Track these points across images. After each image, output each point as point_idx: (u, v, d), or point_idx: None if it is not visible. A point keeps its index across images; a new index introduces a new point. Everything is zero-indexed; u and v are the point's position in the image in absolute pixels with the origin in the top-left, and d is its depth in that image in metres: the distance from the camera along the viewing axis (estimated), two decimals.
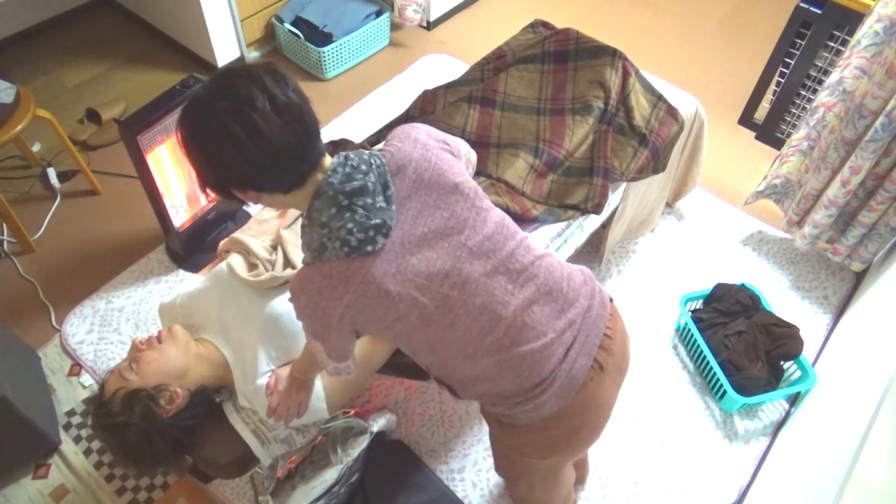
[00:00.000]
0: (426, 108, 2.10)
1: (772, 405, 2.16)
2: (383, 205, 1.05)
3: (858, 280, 2.48)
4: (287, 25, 3.08)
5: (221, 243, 1.64)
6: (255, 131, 0.96)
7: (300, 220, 1.56)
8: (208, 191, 1.06)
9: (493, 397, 1.20)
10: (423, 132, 1.17)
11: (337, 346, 1.16)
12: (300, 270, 1.11)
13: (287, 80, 1.02)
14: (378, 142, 1.91)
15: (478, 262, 1.11)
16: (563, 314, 1.17)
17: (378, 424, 1.89)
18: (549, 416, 1.19)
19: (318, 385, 1.48)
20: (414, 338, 1.14)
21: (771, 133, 2.87)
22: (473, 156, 1.32)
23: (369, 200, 1.04)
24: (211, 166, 1.00)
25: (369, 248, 1.03)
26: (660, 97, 2.12)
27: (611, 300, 1.28)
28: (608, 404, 1.26)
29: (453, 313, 1.10)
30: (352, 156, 1.08)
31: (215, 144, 0.97)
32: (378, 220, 1.04)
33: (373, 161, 1.08)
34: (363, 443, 1.81)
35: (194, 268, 2.38)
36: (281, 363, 1.46)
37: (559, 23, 2.30)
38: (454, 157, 1.18)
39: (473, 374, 1.18)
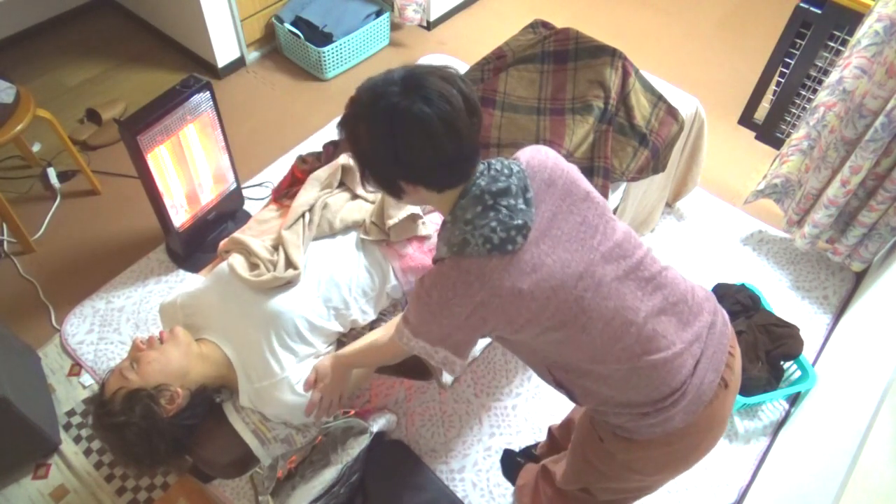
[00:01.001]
0: None
1: (772, 405, 2.16)
2: (524, 207, 1.08)
3: (858, 280, 2.48)
4: (287, 25, 3.08)
5: (222, 243, 1.64)
6: (451, 126, 1.00)
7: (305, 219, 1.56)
8: (367, 180, 1.09)
9: (618, 406, 1.19)
10: (546, 149, 1.21)
11: (459, 343, 1.15)
12: (435, 267, 1.13)
13: (470, 84, 1.06)
14: None
15: (610, 266, 1.12)
16: (689, 326, 1.17)
17: (378, 424, 1.89)
18: (672, 432, 1.18)
19: None
20: (539, 341, 1.15)
21: (771, 133, 2.87)
22: None
23: (512, 202, 1.07)
24: (396, 157, 1.02)
25: (510, 246, 1.06)
26: (660, 97, 2.12)
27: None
28: (726, 421, 1.26)
29: (586, 315, 1.11)
30: (494, 161, 1.12)
31: (411, 139, 1.00)
32: (520, 221, 1.07)
33: (513, 167, 1.12)
34: (363, 443, 1.82)
35: (194, 268, 2.38)
36: (286, 361, 1.46)
37: (559, 23, 2.30)
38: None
39: (601, 381, 1.17)
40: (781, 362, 2.17)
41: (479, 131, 1.07)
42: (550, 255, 1.08)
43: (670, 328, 1.15)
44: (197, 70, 3.14)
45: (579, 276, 1.09)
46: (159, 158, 2.08)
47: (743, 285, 2.28)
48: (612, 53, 2.04)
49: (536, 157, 1.17)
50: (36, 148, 2.77)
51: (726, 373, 1.21)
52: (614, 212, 2.15)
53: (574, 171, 1.18)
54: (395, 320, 1.44)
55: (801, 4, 2.45)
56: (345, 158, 1.72)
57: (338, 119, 2.65)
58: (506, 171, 1.10)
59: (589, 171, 1.95)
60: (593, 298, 1.10)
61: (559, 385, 1.26)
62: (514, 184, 1.09)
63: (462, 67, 2.43)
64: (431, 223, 1.69)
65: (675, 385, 1.15)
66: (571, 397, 1.26)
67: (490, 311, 1.09)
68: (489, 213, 1.06)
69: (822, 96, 2.17)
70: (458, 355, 1.17)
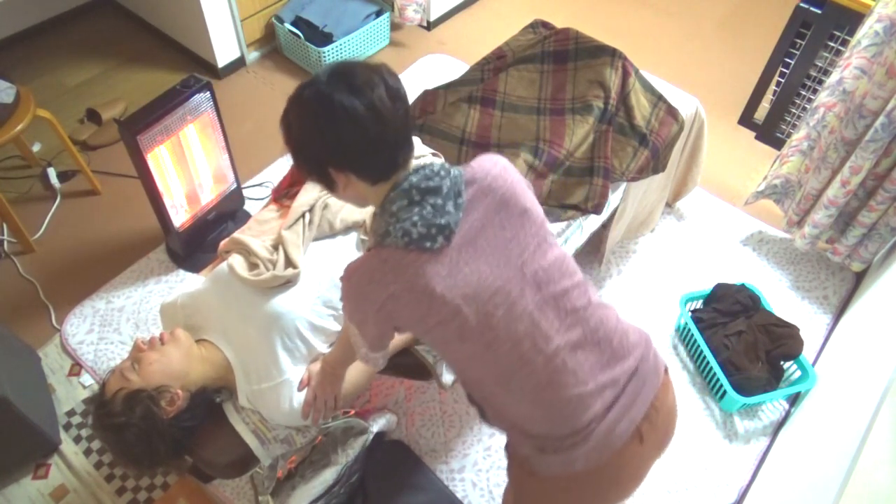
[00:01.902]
0: (426, 108, 2.10)
1: (772, 405, 2.16)
2: (451, 210, 1.07)
3: (858, 280, 2.48)
4: (287, 25, 3.08)
5: (222, 243, 1.64)
6: (373, 109, 1.02)
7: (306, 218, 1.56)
8: (300, 170, 1.11)
9: (521, 434, 1.17)
10: (506, 161, 1.20)
11: (372, 333, 1.17)
12: (358, 258, 1.14)
13: (397, 76, 1.08)
14: None
15: (529, 289, 1.10)
16: (608, 369, 1.14)
17: (378, 424, 1.89)
18: (573, 475, 1.14)
19: None
20: (451, 349, 1.14)
21: (771, 133, 2.87)
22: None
23: (440, 202, 1.07)
24: (323, 139, 1.04)
25: (428, 244, 1.05)
26: (660, 97, 2.12)
27: (665, 370, 1.23)
28: (639, 477, 1.21)
29: (493, 333, 1.09)
30: (436, 161, 1.14)
31: (333, 119, 1.02)
32: (442, 221, 1.06)
33: (452, 170, 1.11)
34: (363, 443, 1.82)
35: (194, 268, 2.38)
36: (285, 363, 1.46)
37: (559, 23, 2.30)
38: (528, 188, 1.21)
39: (505, 404, 1.16)
40: (781, 362, 2.17)
41: (405, 119, 1.07)
42: (469, 264, 1.07)
43: (585, 366, 1.12)
44: (197, 70, 3.14)
45: (494, 292, 1.08)
46: (159, 158, 2.08)
47: (743, 285, 2.28)
48: (612, 53, 2.04)
49: (483, 164, 1.15)
50: (36, 148, 2.77)
51: (644, 426, 1.15)
52: (614, 212, 2.16)
53: (518, 184, 1.16)
54: None
55: (801, 4, 2.45)
56: None
57: None
58: (441, 171, 1.09)
59: (589, 171, 1.96)
60: (503, 317, 1.08)
61: (470, 399, 1.26)
62: (446, 185, 1.08)
63: (462, 67, 2.43)
64: None
65: (577, 426, 1.11)
66: (482, 414, 1.25)
67: (401, 305, 1.08)
68: (413, 209, 1.06)
69: (822, 97, 2.17)
70: (372, 347, 1.19)
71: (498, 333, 1.09)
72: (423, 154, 1.82)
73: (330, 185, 1.12)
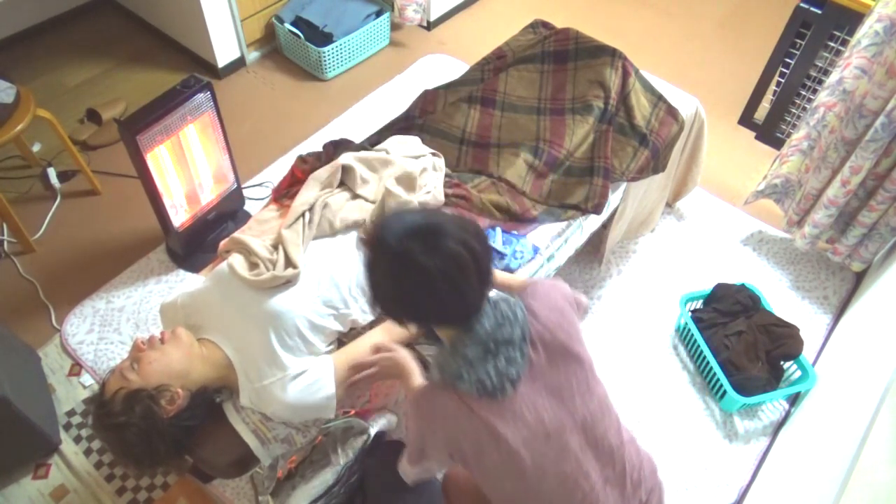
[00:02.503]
0: (426, 108, 2.10)
1: (772, 405, 2.16)
2: (519, 359, 1.13)
3: (858, 280, 2.48)
4: (287, 25, 3.08)
5: (222, 243, 1.64)
6: (456, 293, 1.05)
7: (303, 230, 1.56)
8: (372, 306, 1.18)
9: None
10: (559, 294, 1.26)
11: (418, 451, 1.24)
12: (428, 385, 1.19)
13: (485, 242, 1.11)
14: (378, 142, 1.91)
15: (577, 432, 1.19)
16: (628, 500, 1.25)
17: (378, 425, 1.89)
18: None
19: (331, 383, 1.48)
20: (499, 484, 1.21)
21: (771, 133, 2.87)
22: (584, 300, 1.39)
23: (512, 353, 1.12)
24: (401, 302, 1.09)
25: (499, 395, 1.12)
26: (660, 97, 2.12)
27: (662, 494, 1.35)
28: None
29: (542, 472, 1.16)
30: (501, 303, 1.16)
31: (417, 291, 1.06)
32: (513, 373, 1.12)
33: (518, 312, 1.16)
34: (363, 443, 1.81)
35: (194, 268, 2.38)
36: (286, 361, 1.45)
37: (559, 23, 2.30)
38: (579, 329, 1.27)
39: None
40: (781, 362, 2.17)
41: (486, 288, 1.10)
42: (531, 411, 1.14)
43: (611, 499, 1.22)
44: (197, 70, 3.14)
45: (549, 435, 1.16)
46: (159, 158, 2.08)
47: (743, 285, 2.28)
48: (612, 53, 2.04)
49: (546, 303, 1.21)
50: (36, 148, 2.77)
51: None
52: (614, 212, 2.16)
53: (575, 329, 1.23)
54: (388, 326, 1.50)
55: (801, 4, 2.45)
56: (345, 158, 1.72)
57: (338, 119, 2.64)
58: (511, 315, 1.14)
59: (589, 171, 1.96)
60: (554, 459, 1.16)
61: None
62: (517, 334, 1.13)
63: (462, 67, 2.43)
64: None
65: None
66: None
67: (465, 444, 1.15)
68: (489, 359, 1.11)
69: (822, 96, 2.17)
70: (411, 460, 1.28)
71: (547, 472, 1.17)
72: (423, 154, 1.83)
73: (399, 324, 1.15)
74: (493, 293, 1.19)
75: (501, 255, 1.74)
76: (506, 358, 1.12)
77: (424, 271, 1.02)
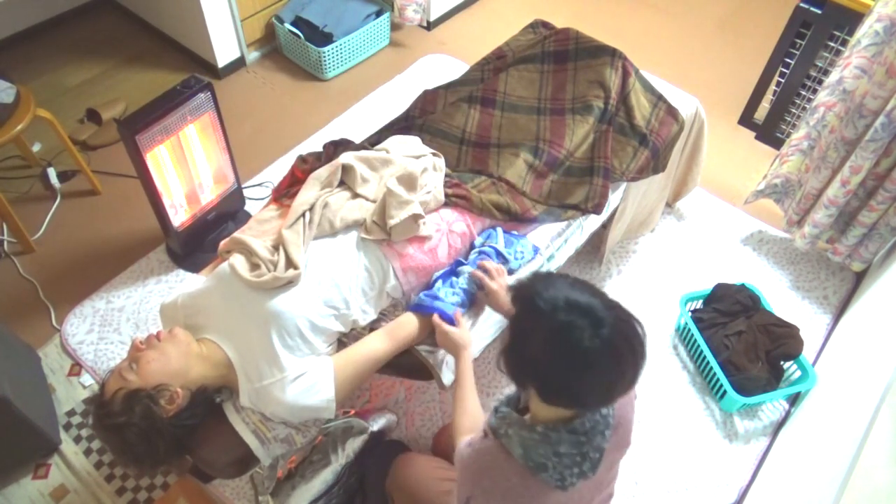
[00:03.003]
0: (426, 109, 2.10)
1: (772, 405, 2.16)
2: (598, 459, 1.13)
3: (858, 280, 2.48)
4: (287, 25, 3.08)
5: (222, 243, 1.64)
6: (609, 392, 1.04)
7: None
8: (504, 364, 1.10)
9: None
10: (634, 392, 1.24)
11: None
12: (500, 448, 1.14)
13: (645, 346, 1.06)
14: (378, 142, 1.91)
15: None
16: None
17: (378, 424, 1.89)
18: None
19: (331, 386, 1.48)
20: None
21: (771, 133, 2.87)
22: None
23: (595, 456, 1.12)
24: (545, 380, 1.05)
25: (569, 488, 1.12)
26: (660, 97, 2.12)
27: None
28: None
29: None
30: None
31: (575, 379, 1.01)
32: (591, 474, 1.13)
33: (611, 412, 1.15)
34: (363, 443, 1.82)
35: (194, 267, 2.38)
36: (286, 361, 1.46)
37: (559, 23, 2.30)
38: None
39: None
40: (781, 362, 2.17)
41: (632, 388, 1.08)
42: (580, 499, 1.19)
43: None
44: (197, 70, 3.14)
45: None
46: (158, 158, 2.08)
47: (743, 285, 2.28)
48: (612, 53, 2.04)
49: (626, 416, 1.21)
50: (36, 148, 2.77)
51: None
52: (614, 212, 2.16)
53: (633, 413, 1.25)
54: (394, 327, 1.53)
55: (801, 4, 2.45)
56: (345, 157, 1.72)
57: (338, 119, 2.63)
58: (604, 422, 1.13)
59: (589, 171, 1.95)
60: None
61: None
62: (604, 442, 1.13)
63: (462, 67, 2.43)
64: (432, 223, 1.69)
65: None
66: None
67: None
68: (576, 459, 1.10)
69: (822, 96, 2.17)
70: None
71: None
72: (423, 154, 1.83)
73: (520, 387, 1.13)
74: None
75: (505, 259, 1.73)
76: (591, 461, 1.12)
77: (584, 351, 0.98)
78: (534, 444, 1.11)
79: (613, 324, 1.00)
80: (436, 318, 1.56)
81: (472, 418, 1.39)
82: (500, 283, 1.61)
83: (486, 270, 1.63)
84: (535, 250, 1.83)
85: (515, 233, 1.84)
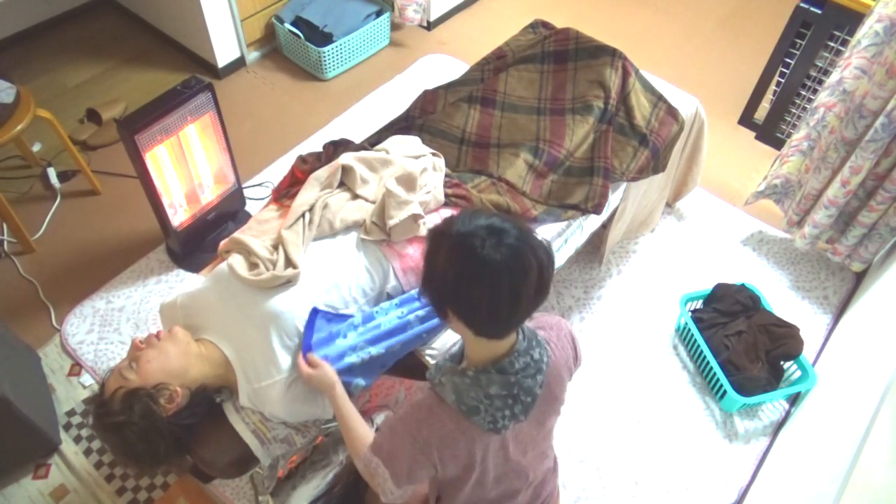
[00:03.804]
0: (426, 108, 2.10)
1: (772, 405, 2.16)
2: (531, 403, 1.17)
3: (858, 280, 2.48)
4: (287, 25, 3.08)
5: (222, 243, 1.64)
6: (516, 299, 1.04)
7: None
8: (423, 294, 1.13)
9: None
10: (568, 333, 1.31)
11: (417, 477, 1.22)
12: (433, 400, 1.18)
13: (552, 259, 1.10)
14: (378, 142, 1.91)
15: (532, 469, 1.31)
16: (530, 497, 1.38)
17: (379, 419, 1.89)
18: None
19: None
20: (456, 493, 1.28)
21: (771, 133, 2.87)
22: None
23: (527, 399, 1.16)
24: (455, 290, 1.07)
25: (502, 431, 1.16)
26: (660, 97, 2.12)
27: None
28: None
29: (496, 484, 1.27)
30: (535, 344, 1.18)
31: (476, 280, 1.03)
32: (521, 416, 1.16)
33: (544, 359, 1.19)
34: None
35: (194, 267, 2.38)
36: (284, 362, 1.45)
37: (559, 23, 2.30)
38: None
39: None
40: (781, 362, 2.17)
41: (540, 301, 1.09)
42: (516, 455, 1.23)
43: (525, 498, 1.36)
44: (197, 70, 3.14)
45: (517, 476, 1.28)
46: (158, 158, 2.08)
47: (743, 285, 2.28)
48: (612, 53, 2.04)
49: (560, 355, 1.24)
50: (36, 148, 2.77)
51: None
52: (614, 212, 2.16)
53: (570, 371, 1.29)
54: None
55: (801, 4, 2.45)
56: (345, 158, 1.72)
57: (338, 119, 2.63)
58: (539, 360, 1.17)
59: (589, 171, 1.95)
60: (508, 483, 1.28)
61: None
62: (538, 383, 1.16)
63: (462, 67, 2.43)
64: (432, 223, 1.69)
65: None
66: None
67: (452, 464, 1.18)
68: (507, 401, 1.14)
69: (822, 97, 2.17)
70: (394, 479, 1.22)
71: (497, 485, 1.28)
72: (423, 154, 1.82)
73: (443, 317, 1.14)
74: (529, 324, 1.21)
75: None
76: (522, 403, 1.15)
77: (490, 263, 1.01)
78: (465, 387, 1.14)
79: (514, 234, 1.03)
80: (300, 360, 1.44)
81: (367, 436, 1.35)
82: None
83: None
84: None
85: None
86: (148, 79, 3.11)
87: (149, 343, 1.42)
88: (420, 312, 1.57)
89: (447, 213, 1.73)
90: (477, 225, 1.04)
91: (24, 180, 2.69)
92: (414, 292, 1.62)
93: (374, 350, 1.51)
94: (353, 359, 1.48)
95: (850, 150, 2.10)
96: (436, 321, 1.58)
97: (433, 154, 1.85)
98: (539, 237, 1.09)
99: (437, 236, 1.08)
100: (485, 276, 1.02)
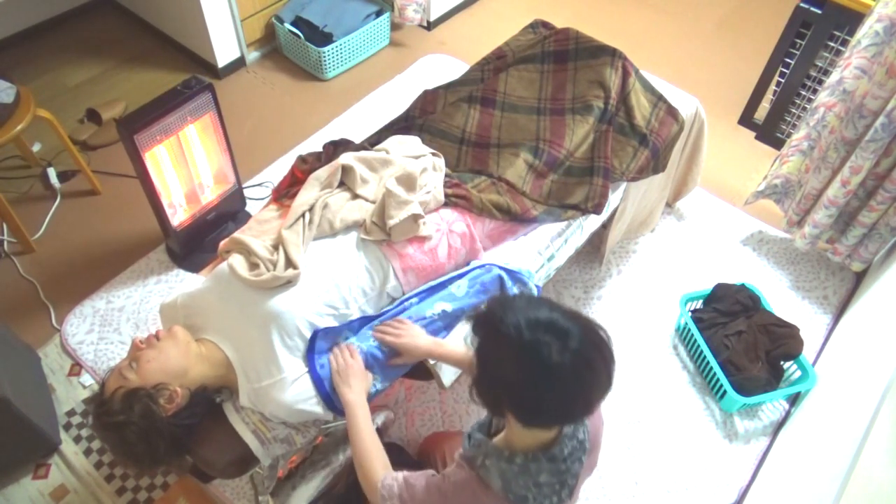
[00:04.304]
0: (426, 109, 2.10)
1: (772, 405, 2.16)
2: (574, 484, 1.12)
3: (858, 280, 2.48)
4: (287, 25, 3.08)
5: (222, 243, 1.64)
6: (587, 401, 1.02)
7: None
8: (476, 389, 1.08)
9: None
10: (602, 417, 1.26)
11: None
12: (478, 481, 1.11)
13: (610, 341, 1.05)
14: (378, 142, 1.91)
15: None
16: None
17: (379, 419, 1.89)
18: None
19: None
20: None
21: (771, 133, 2.87)
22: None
23: (572, 482, 1.11)
24: (522, 400, 1.02)
25: None
26: (660, 97, 2.12)
27: None
28: None
29: None
30: (581, 430, 1.13)
31: (550, 395, 0.99)
32: (568, 500, 1.11)
33: (586, 436, 1.14)
34: None
35: (194, 267, 2.38)
36: (285, 361, 1.46)
37: (559, 23, 2.30)
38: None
39: None
40: (781, 362, 2.17)
41: (605, 396, 1.06)
42: None
43: None
44: (197, 70, 3.14)
45: None
46: (158, 158, 2.08)
47: (743, 285, 2.28)
48: (612, 53, 2.04)
49: (596, 426, 1.21)
50: (36, 148, 2.77)
51: None
52: (614, 212, 2.16)
53: (601, 438, 1.24)
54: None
55: (801, 4, 2.45)
56: (345, 158, 1.72)
57: (338, 119, 2.62)
58: (581, 447, 1.12)
59: (589, 171, 1.95)
60: None
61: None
62: (581, 468, 1.12)
63: (462, 67, 2.43)
64: (432, 223, 1.69)
65: None
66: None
67: None
68: (556, 488, 1.09)
69: (823, 96, 2.17)
70: None
71: None
72: (423, 154, 1.83)
73: (497, 414, 1.11)
74: None
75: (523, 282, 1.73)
76: (569, 487, 1.11)
77: (561, 370, 0.97)
78: (513, 475, 1.08)
79: (579, 334, 0.99)
80: (339, 351, 1.49)
81: (381, 457, 1.34)
82: (403, 333, 1.52)
83: (382, 332, 1.54)
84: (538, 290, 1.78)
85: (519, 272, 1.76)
86: (148, 79, 3.11)
87: (149, 343, 1.42)
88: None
89: (447, 212, 1.73)
90: (539, 325, 0.98)
91: (24, 180, 2.69)
92: (414, 300, 1.61)
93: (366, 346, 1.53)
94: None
95: (850, 149, 2.10)
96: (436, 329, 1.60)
97: (433, 154, 1.85)
98: (597, 325, 1.04)
99: (498, 341, 1.01)
100: (556, 384, 0.98)
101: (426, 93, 2.14)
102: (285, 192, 1.79)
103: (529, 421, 1.05)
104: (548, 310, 1.01)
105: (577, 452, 1.11)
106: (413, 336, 1.51)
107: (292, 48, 3.17)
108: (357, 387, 1.44)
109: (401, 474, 1.23)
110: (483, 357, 1.05)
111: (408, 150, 1.83)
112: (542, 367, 0.97)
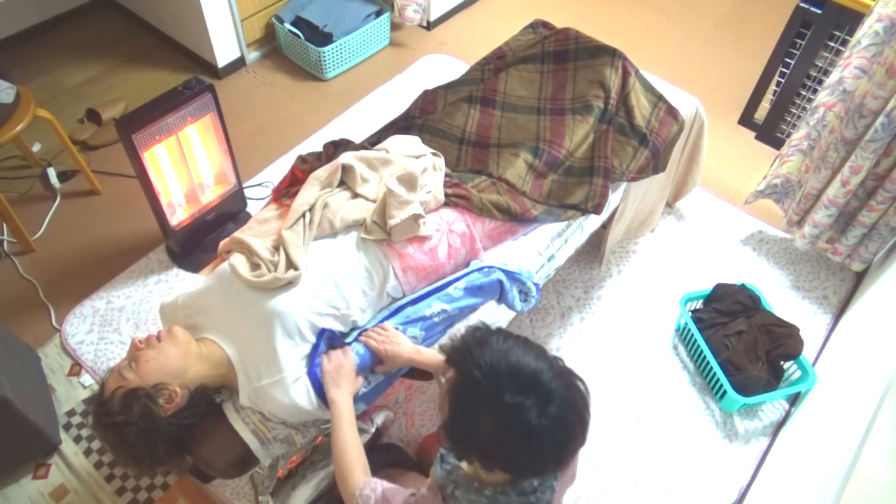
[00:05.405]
0: (426, 108, 2.10)
1: (772, 405, 2.16)
2: None
3: (858, 280, 2.48)
4: (287, 25, 3.08)
5: (222, 243, 1.64)
6: (559, 459, 1.02)
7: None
8: (446, 438, 1.07)
9: None
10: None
11: None
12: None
13: (588, 400, 1.04)
14: (378, 142, 1.91)
15: None
16: None
17: (379, 419, 1.89)
18: None
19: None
20: None
21: (771, 133, 2.87)
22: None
23: None
24: (497, 454, 1.02)
25: None
26: (660, 97, 2.12)
27: None
28: None
29: None
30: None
31: (525, 453, 0.99)
32: None
33: (553, 484, 1.12)
34: (363, 443, 1.81)
35: (193, 267, 2.38)
36: (285, 361, 1.46)
37: (559, 23, 2.30)
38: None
39: None
40: (781, 362, 2.17)
41: (577, 453, 1.06)
42: None
43: None
44: (197, 70, 3.14)
45: None
46: (157, 157, 2.08)
47: (743, 285, 2.28)
48: (612, 53, 2.04)
49: (570, 469, 1.20)
50: (36, 148, 2.77)
51: None
52: (614, 212, 2.16)
53: (575, 464, 1.22)
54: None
55: (801, 4, 2.45)
56: (345, 157, 1.72)
57: (338, 119, 2.60)
58: (551, 475, 1.11)
59: (589, 171, 1.95)
60: None
61: None
62: (550, 496, 1.11)
63: (462, 67, 2.43)
64: (432, 223, 1.69)
65: None
66: None
67: None
68: None
69: (822, 96, 2.17)
70: None
71: None
72: (423, 153, 1.83)
73: (460, 459, 1.11)
74: None
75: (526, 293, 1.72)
76: None
77: (540, 432, 0.97)
78: (474, 495, 1.08)
79: (562, 397, 0.99)
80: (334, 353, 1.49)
81: (361, 460, 1.35)
82: (386, 340, 1.52)
83: (367, 336, 1.54)
84: (538, 291, 1.76)
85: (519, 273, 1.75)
86: (148, 79, 3.11)
87: (148, 343, 1.42)
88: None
89: (447, 212, 1.73)
90: (521, 385, 0.98)
91: (24, 180, 2.69)
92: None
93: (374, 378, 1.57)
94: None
95: (850, 149, 2.10)
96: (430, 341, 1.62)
97: (433, 154, 1.85)
98: (576, 379, 1.03)
99: (476, 394, 1.00)
100: (532, 445, 0.98)
101: (426, 93, 2.14)
102: (285, 191, 1.79)
103: (494, 469, 1.05)
104: (531, 357, 1.01)
105: (548, 480, 1.10)
106: (396, 344, 1.51)
107: (292, 48, 3.17)
108: (345, 387, 1.44)
109: (380, 486, 1.23)
110: (457, 405, 1.04)
111: (408, 150, 1.83)
112: (520, 430, 0.97)
